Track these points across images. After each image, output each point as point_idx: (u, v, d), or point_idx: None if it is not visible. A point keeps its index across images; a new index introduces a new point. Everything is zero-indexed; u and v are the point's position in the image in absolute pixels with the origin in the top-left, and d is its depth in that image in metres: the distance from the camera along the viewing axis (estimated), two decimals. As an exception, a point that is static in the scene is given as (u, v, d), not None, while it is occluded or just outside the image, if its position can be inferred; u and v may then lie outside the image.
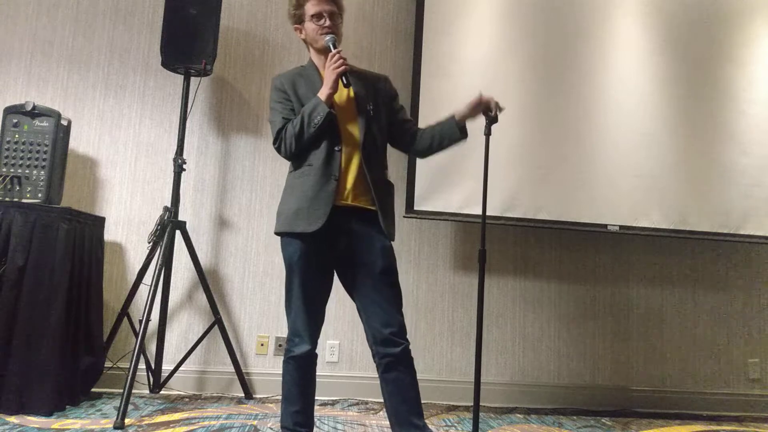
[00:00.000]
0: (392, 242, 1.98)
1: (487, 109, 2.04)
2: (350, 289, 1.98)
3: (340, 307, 3.24)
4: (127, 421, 2.46)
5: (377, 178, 1.96)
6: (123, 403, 2.44)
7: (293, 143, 1.90)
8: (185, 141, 3.08)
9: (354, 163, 1.94)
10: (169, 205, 2.96)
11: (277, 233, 1.96)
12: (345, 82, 1.92)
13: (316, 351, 1.94)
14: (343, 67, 1.90)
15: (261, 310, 3.22)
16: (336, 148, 1.92)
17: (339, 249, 1.93)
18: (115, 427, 2.38)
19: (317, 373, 1.98)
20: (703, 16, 3.47)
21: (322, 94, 1.90)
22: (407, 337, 1.92)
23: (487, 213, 3.13)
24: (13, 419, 2.41)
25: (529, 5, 3.32)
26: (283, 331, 3.20)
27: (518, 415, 3.06)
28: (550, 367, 3.38)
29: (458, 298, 3.35)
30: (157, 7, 3.27)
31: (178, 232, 2.97)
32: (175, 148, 3.08)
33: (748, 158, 3.42)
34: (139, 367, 2.67)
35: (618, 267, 3.50)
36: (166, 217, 2.92)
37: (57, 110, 2.76)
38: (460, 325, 3.33)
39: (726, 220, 3.36)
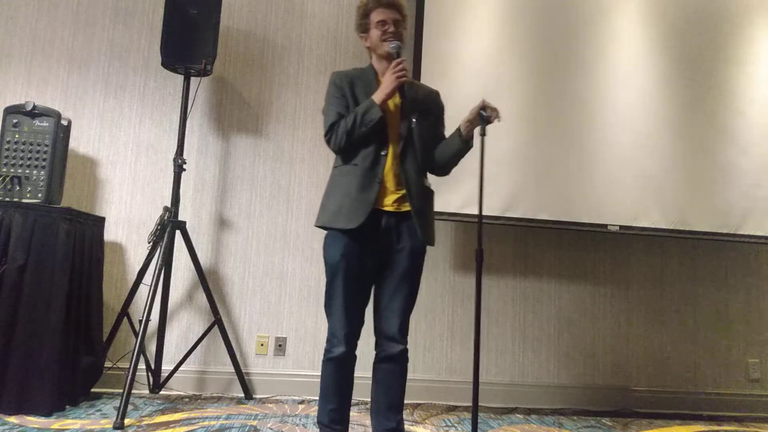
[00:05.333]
0: (431, 246, 2.09)
1: (481, 109, 2.06)
2: (375, 281, 2.06)
3: (340, 307, 3.24)
4: (126, 421, 2.46)
5: (416, 183, 2.04)
6: (123, 403, 2.44)
7: (344, 138, 1.99)
8: (185, 141, 3.08)
9: (396, 168, 2.03)
10: (169, 205, 2.96)
11: (319, 226, 2.05)
12: (402, 93, 2.01)
13: (356, 353, 2.02)
14: (404, 78, 1.99)
15: (261, 310, 3.22)
16: (382, 152, 2.01)
17: (377, 248, 2.01)
18: (114, 428, 2.38)
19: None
20: (702, 16, 3.47)
21: (378, 97, 1.99)
22: (407, 338, 2.06)
23: (488, 213, 3.15)
24: (13, 419, 2.41)
25: (529, 6, 3.32)
26: (283, 332, 3.21)
27: (518, 416, 3.06)
28: (550, 367, 3.38)
29: (458, 298, 3.35)
30: (157, 7, 3.27)
31: (178, 232, 2.97)
32: (175, 148, 3.08)
33: (748, 158, 3.42)
34: (138, 367, 2.66)
35: (618, 267, 3.50)
36: (166, 217, 2.92)
37: (57, 110, 2.76)
38: (460, 325, 3.33)
39: (726, 220, 3.36)
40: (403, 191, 2.01)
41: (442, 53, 3.23)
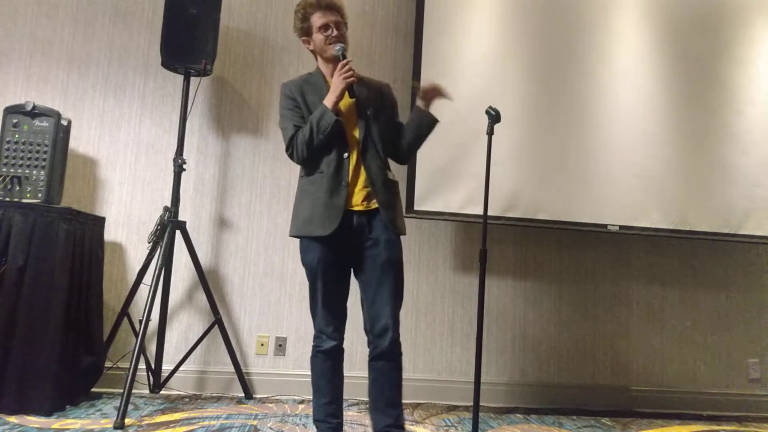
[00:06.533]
0: (403, 235, 2.13)
1: (436, 94, 2.13)
2: (358, 279, 2.11)
3: (340, 307, 3.24)
4: (127, 421, 2.46)
5: (380, 177, 2.08)
6: (123, 403, 2.44)
7: (304, 150, 2.02)
8: (185, 141, 3.08)
9: (360, 167, 2.07)
10: (169, 205, 2.96)
11: (294, 236, 2.09)
12: (351, 93, 2.03)
13: (343, 346, 2.09)
14: (351, 78, 2.01)
15: (261, 310, 3.22)
16: (344, 155, 2.05)
17: (351, 247, 2.06)
18: (115, 427, 2.39)
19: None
20: (703, 15, 3.46)
21: (329, 101, 2.02)
22: (399, 330, 2.06)
23: (488, 213, 3.14)
24: (13, 419, 2.41)
25: (530, 5, 3.32)
26: (283, 332, 3.21)
27: (518, 415, 3.06)
28: (550, 367, 3.38)
29: (458, 298, 3.35)
30: (156, 7, 3.26)
31: (178, 232, 2.97)
32: (175, 148, 3.07)
33: (749, 158, 3.41)
34: (139, 367, 2.66)
35: (618, 267, 3.50)
36: (166, 217, 2.92)
37: (57, 110, 2.76)
38: (460, 325, 3.33)
39: (726, 219, 3.36)
40: (369, 189, 2.05)
41: (442, 53, 3.23)
